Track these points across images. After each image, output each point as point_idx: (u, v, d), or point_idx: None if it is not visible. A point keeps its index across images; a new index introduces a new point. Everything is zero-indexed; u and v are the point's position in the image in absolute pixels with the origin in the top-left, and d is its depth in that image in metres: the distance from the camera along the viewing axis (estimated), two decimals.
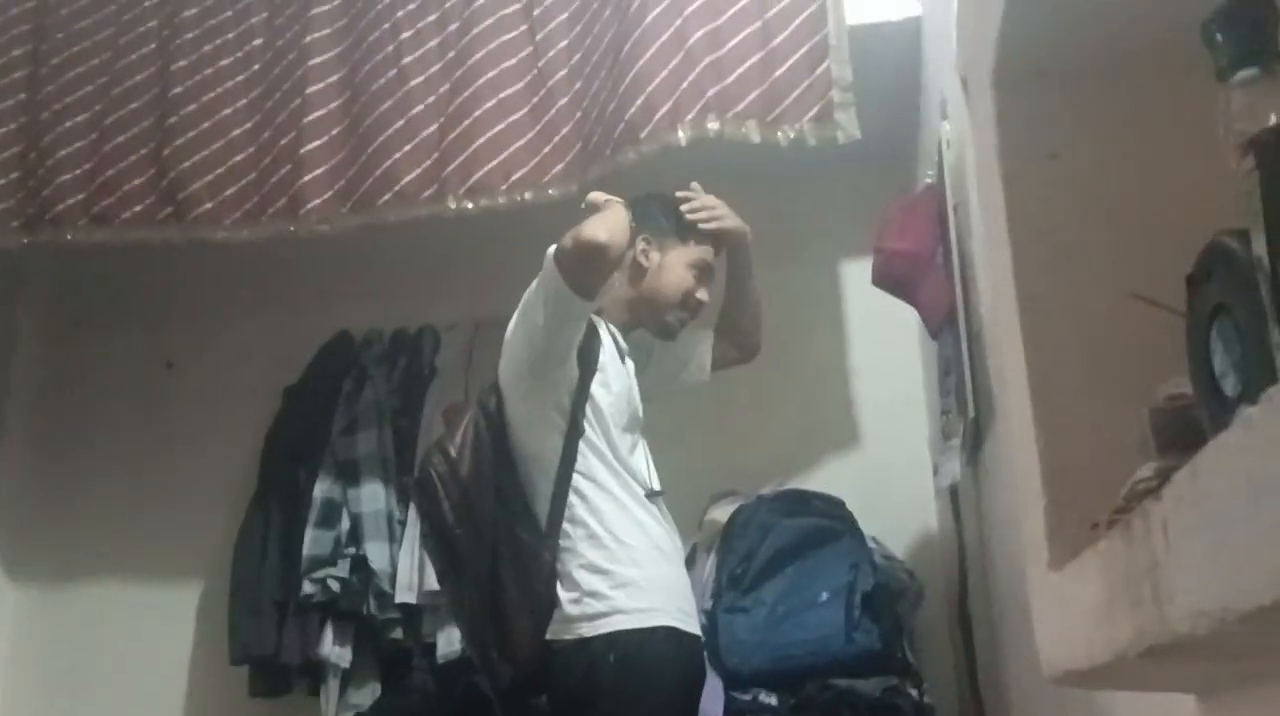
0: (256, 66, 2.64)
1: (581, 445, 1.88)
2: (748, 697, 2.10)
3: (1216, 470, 0.48)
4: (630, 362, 2.05)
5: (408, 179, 2.44)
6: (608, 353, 1.97)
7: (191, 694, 2.96)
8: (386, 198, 2.45)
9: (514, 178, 2.40)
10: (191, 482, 3.06)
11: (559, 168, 2.40)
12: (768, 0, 2.32)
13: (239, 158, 2.56)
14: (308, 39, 2.59)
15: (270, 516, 2.83)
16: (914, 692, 2.15)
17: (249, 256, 2.81)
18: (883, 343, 2.82)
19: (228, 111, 2.60)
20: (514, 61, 2.46)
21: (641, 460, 1.97)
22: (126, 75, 2.67)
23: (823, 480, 2.62)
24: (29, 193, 2.62)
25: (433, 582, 2.34)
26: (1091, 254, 0.87)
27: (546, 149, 2.40)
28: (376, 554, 2.67)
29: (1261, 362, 0.53)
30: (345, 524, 2.72)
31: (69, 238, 2.59)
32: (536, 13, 2.50)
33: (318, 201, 2.47)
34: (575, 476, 1.87)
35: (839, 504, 2.37)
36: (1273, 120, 0.53)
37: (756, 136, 2.27)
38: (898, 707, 2.09)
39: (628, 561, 1.82)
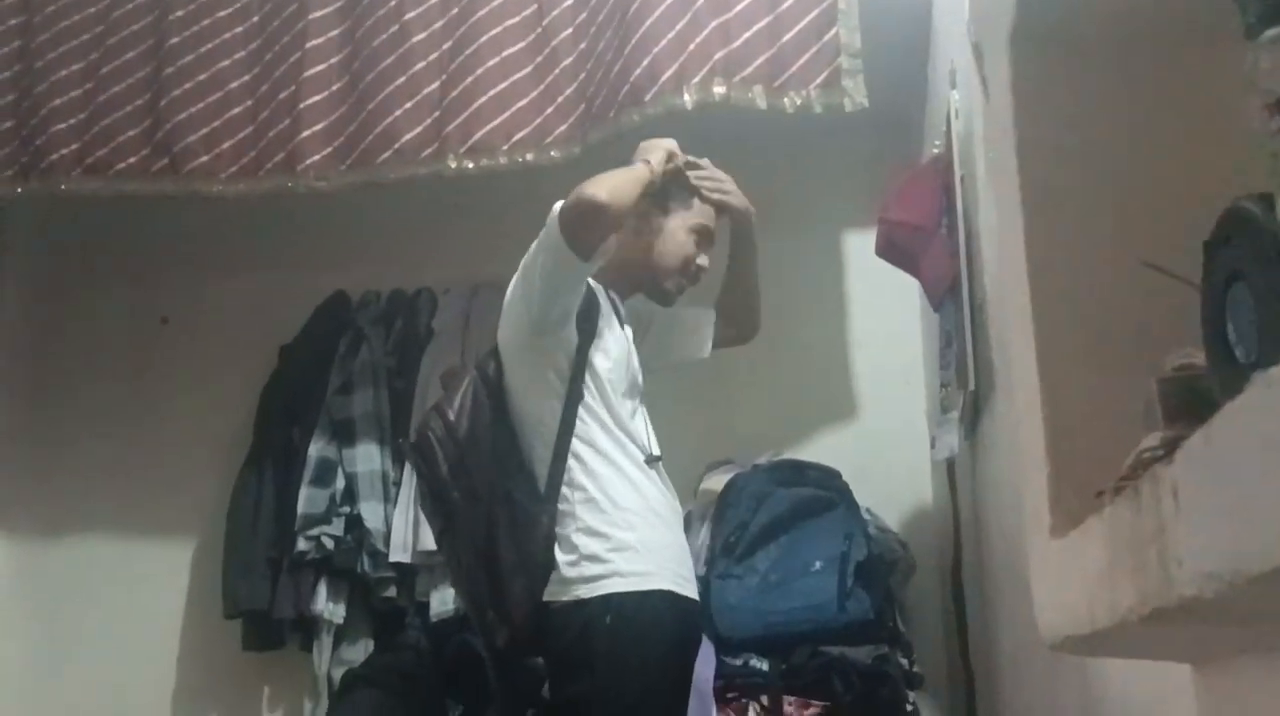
0: (255, 18, 2.61)
1: (580, 410, 1.87)
2: (739, 662, 2.11)
3: (1232, 432, 0.48)
4: (629, 328, 2.04)
5: (408, 137, 2.42)
6: (606, 318, 1.96)
7: (185, 647, 2.97)
8: (386, 155, 2.43)
9: (516, 138, 2.38)
10: (186, 438, 3.06)
11: (562, 128, 2.38)
12: None
13: (236, 111, 2.53)
14: None
15: (265, 474, 2.83)
16: (904, 661, 2.17)
17: (246, 213, 2.79)
18: (883, 314, 2.82)
19: (225, 63, 2.57)
20: (517, 19, 2.44)
21: (641, 426, 1.97)
22: (123, 24, 2.63)
23: (819, 451, 2.63)
24: (22, 142, 2.60)
25: (427, 543, 2.35)
26: (1102, 223, 0.86)
27: (549, 109, 2.38)
28: (371, 513, 2.68)
29: (1278, 330, 0.52)
30: (340, 483, 2.73)
31: (62, 187, 2.57)
32: None
33: (316, 157, 2.45)
34: (574, 441, 1.86)
35: (834, 474, 2.37)
36: None
37: (763, 102, 2.26)
38: (887, 675, 2.10)
39: (625, 526, 1.83)
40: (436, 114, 2.43)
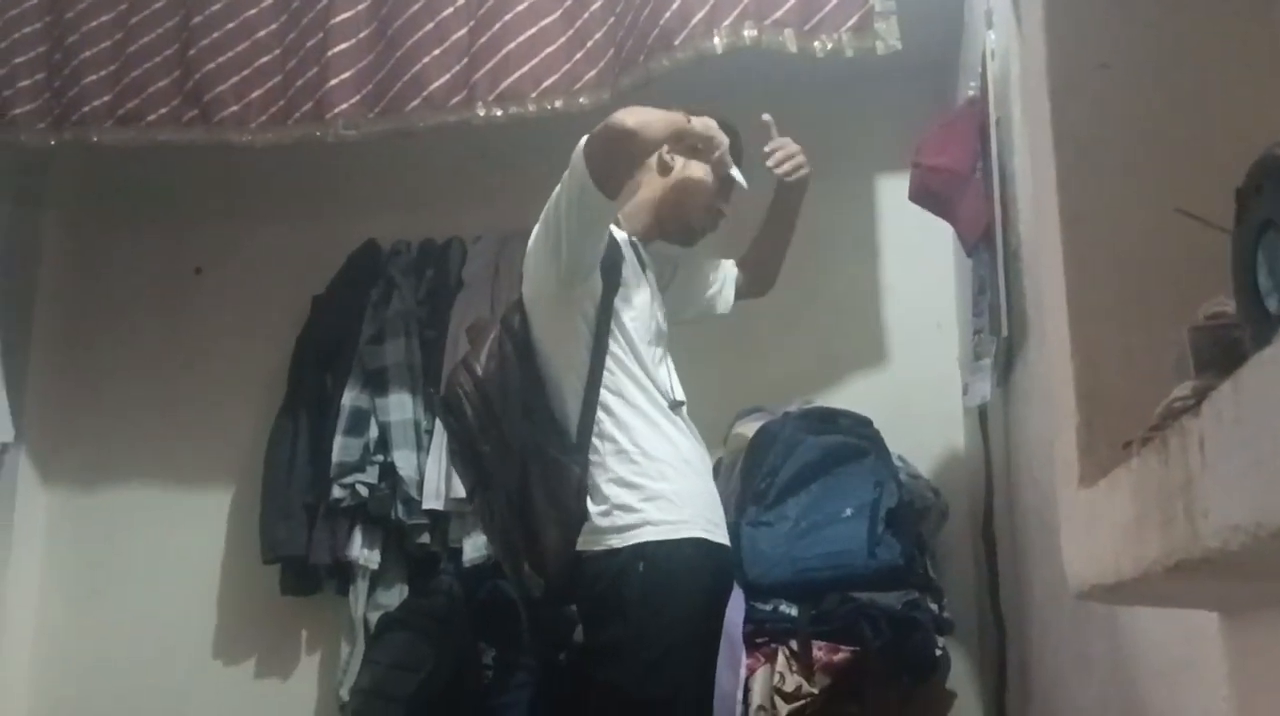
0: None
1: (608, 360, 1.87)
2: (769, 608, 2.13)
3: (1260, 384, 0.47)
4: (651, 274, 2.04)
5: (436, 84, 2.40)
6: (630, 266, 1.96)
7: (225, 591, 3.03)
8: (415, 103, 2.41)
9: (545, 84, 2.36)
10: (221, 387, 3.10)
11: (591, 75, 2.36)
12: None
13: (265, 59, 2.52)
14: None
15: (299, 422, 2.87)
16: (934, 607, 2.17)
17: (278, 163, 2.80)
18: (917, 260, 2.79)
19: (253, 11, 2.55)
20: None
21: (665, 373, 1.97)
22: None
23: (851, 398, 2.62)
24: (54, 93, 2.61)
25: (459, 490, 2.37)
26: (1137, 170, 0.85)
27: (579, 55, 2.35)
28: (404, 461, 2.71)
29: None
30: (373, 432, 2.76)
31: (95, 139, 2.58)
32: None
33: (345, 105, 2.45)
34: (602, 391, 1.87)
35: (866, 422, 2.37)
36: None
37: (793, 45, 2.22)
38: (917, 621, 2.11)
39: (657, 475, 1.84)
40: (465, 61, 2.41)
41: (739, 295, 2.28)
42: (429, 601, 2.64)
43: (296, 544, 2.77)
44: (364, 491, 2.72)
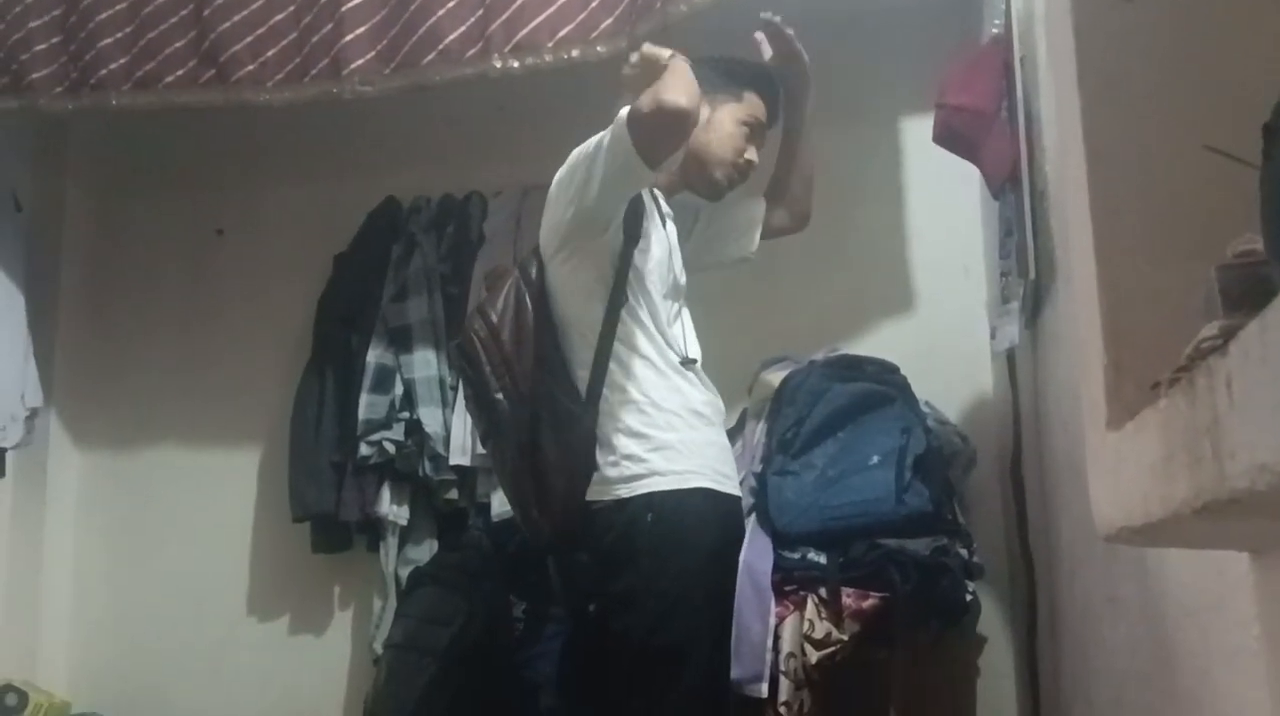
0: None
1: (623, 313, 1.87)
2: (796, 556, 2.13)
3: None
4: (671, 227, 2.02)
5: (451, 37, 2.38)
6: (651, 219, 1.94)
7: (257, 550, 3.08)
8: (430, 57, 2.39)
9: (561, 34, 2.33)
10: (246, 347, 3.13)
11: (607, 22, 2.32)
12: None
13: (279, 17, 2.50)
14: None
15: (325, 381, 2.89)
16: (963, 552, 2.18)
17: (297, 123, 2.79)
18: (942, 203, 2.75)
19: None
20: None
21: (679, 329, 1.96)
22: None
23: (877, 344, 2.60)
24: (71, 57, 2.60)
25: None
26: (1163, 107, 0.83)
27: (594, 3, 2.31)
28: (430, 418, 2.72)
29: None
30: (399, 389, 2.77)
31: (113, 103, 2.58)
32: None
33: (360, 62, 2.43)
34: (615, 343, 1.86)
35: (892, 368, 2.35)
36: None
37: None
38: (946, 566, 2.11)
39: (665, 426, 1.84)
40: (480, 13, 2.38)
41: (771, 231, 2.25)
42: (459, 555, 2.66)
43: (325, 502, 2.81)
44: (391, 448, 2.74)
